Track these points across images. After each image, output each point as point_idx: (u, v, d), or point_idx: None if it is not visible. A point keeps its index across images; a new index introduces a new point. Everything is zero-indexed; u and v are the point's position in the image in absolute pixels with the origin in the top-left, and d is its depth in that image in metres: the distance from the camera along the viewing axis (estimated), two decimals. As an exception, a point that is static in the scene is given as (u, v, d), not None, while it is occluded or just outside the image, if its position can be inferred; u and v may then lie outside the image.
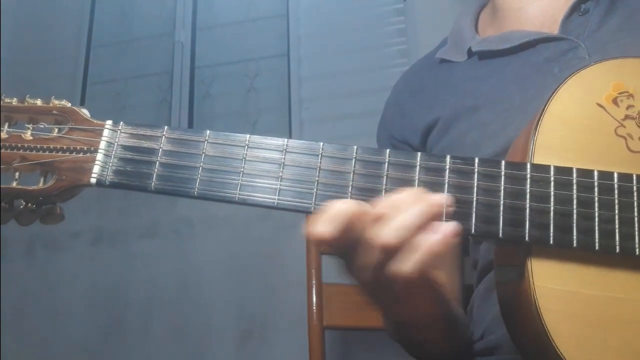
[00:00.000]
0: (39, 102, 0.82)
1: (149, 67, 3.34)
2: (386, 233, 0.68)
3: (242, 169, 0.76)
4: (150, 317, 2.76)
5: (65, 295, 2.86)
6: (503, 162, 0.75)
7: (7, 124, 0.80)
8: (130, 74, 3.35)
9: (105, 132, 0.79)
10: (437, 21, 2.60)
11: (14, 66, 3.37)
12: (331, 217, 0.69)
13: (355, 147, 0.75)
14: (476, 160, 0.75)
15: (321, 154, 0.76)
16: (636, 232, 0.73)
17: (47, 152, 0.78)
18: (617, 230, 0.73)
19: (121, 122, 0.80)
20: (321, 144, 0.76)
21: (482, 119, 1.07)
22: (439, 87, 1.18)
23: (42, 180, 0.79)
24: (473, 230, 0.73)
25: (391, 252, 0.69)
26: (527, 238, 0.72)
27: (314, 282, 1.58)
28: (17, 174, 0.79)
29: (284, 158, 0.76)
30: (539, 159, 0.76)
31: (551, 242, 0.72)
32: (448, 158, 0.75)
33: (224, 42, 3.31)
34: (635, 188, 0.74)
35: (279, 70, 3.15)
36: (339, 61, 3.02)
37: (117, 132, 0.79)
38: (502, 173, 0.74)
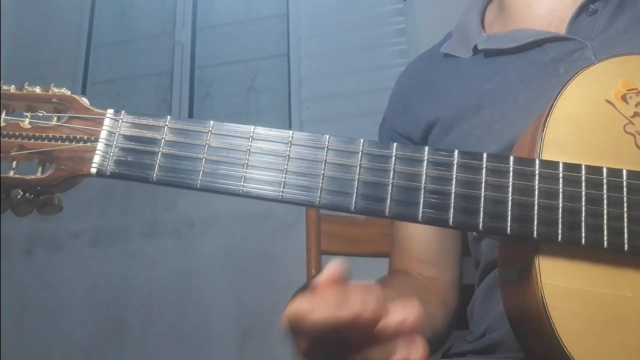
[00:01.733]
0: (37, 89, 0.79)
1: (149, 67, 3.35)
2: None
3: (246, 161, 0.74)
4: (150, 317, 2.76)
5: (65, 295, 2.86)
6: (511, 158, 0.74)
7: (4, 112, 0.78)
8: (130, 74, 3.36)
9: (106, 121, 0.76)
10: (437, 21, 2.59)
11: (14, 66, 3.37)
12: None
13: (362, 140, 0.74)
14: (484, 155, 0.74)
15: (327, 146, 0.74)
16: (645, 230, 0.73)
17: (45, 141, 0.76)
18: (625, 228, 0.72)
19: (122, 111, 0.77)
20: (327, 136, 0.75)
21: (486, 117, 1.06)
22: (443, 82, 1.18)
23: (40, 169, 0.76)
24: (481, 227, 0.72)
25: None
26: (535, 235, 0.71)
27: (314, 282, 1.58)
28: (14, 163, 0.76)
29: (289, 150, 0.75)
30: (546, 155, 0.75)
31: (559, 239, 0.71)
32: (456, 153, 0.74)
33: (224, 42, 3.31)
34: (644, 186, 0.74)
35: (279, 70, 3.15)
36: (339, 61, 3.02)
37: (118, 121, 0.76)
38: (511, 169, 0.73)
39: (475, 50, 1.14)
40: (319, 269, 1.62)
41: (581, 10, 1.05)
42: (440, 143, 1.13)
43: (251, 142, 0.75)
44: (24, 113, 0.78)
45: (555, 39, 1.05)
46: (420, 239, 1.16)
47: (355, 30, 3.06)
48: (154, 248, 2.85)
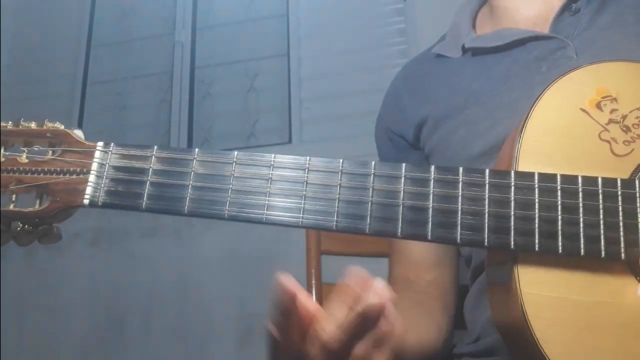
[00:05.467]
0: (33, 125, 0.83)
1: (149, 67, 3.35)
2: (327, 336, 0.70)
3: (230, 186, 0.77)
4: (150, 317, 2.77)
5: (65, 295, 2.87)
6: (487, 171, 0.75)
7: (3, 148, 0.82)
8: (130, 74, 3.36)
9: (97, 154, 0.80)
10: (437, 21, 2.59)
11: (14, 67, 3.38)
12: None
13: (341, 160, 0.76)
14: (460, 169, 0.75)
15: (308, 168, 0.77)
16: (621, 237, 0.73)
17: (41, 175, 0.80)
18: (602, 235, 0.73)
19: (112, 144, 0.80)
20: (307, 158, 0.77)
21: (471, 116, 1.07)
22: (433, 82, 1.19)
23: (38, 202, 0.80)
24: (459, 240, 0.73)
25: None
26: (512, 246, 0.72)
27: (313, 282, 1.57)
28: (13, 196, 0.80)
29: (272, 174, 0.77)
30: (523, 166, 0.76)
31: (537, 249, 0.72)
32: (432, 168, 0.75)
33: (224, 42, 3.31)
34: (619, 192, 0.74)
35: (279, 70, 3.15)
36: (339, 61, 3.02)
37: (108, 153, 0.80)
38: (487, 182, 0.74)
39: (464, 50, 1.16)
40: (318, 269, 1.62)
41: (564, 10, 1.07)
42: (427, 142, 1.15)
43: (234, 167, 0.78)
44: (21, 148, 0.82)
45: (538, 38, 1.07)
46: (418, 243, 1.16)
47: (355, 30, 3.06)
48: (154, 248, 2.85)
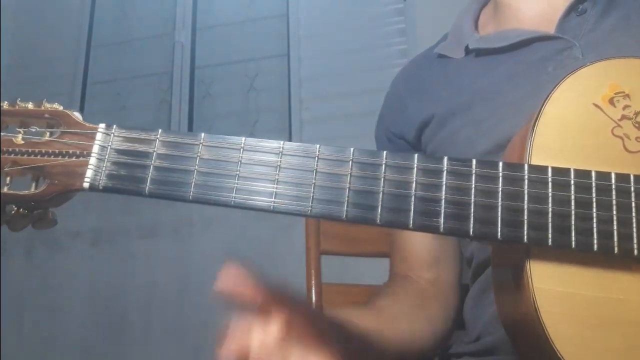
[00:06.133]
0: (30, 105, 0.79)
1: (149, 67, 3.35)
2: None
3: (237, 172, 0.74)
4: (150, 317, 2.76)
5: (65, 295, 2.86)
6: (500, 164, 0.74)
7: None
8: (130, 74, 3.37)
9: (98, 136, 0.77)
10: (437, 21, 2.60)
11: (14, 67, 3.38)
12: None
13: (352, 149, 0.74)
14: (473, 161, 0.74)
15: (317, 156, 0.75)
16: (634, 233, 0.72)
17: (38, 157, 0.76)
18: (615, 231, 0.72)
19: (114, 126, 0.77)
20: (317, 146, 0.75)
21: (476, 115, 1.07)
22: (436, 82, 1.19)
23: (33, 185, 0.76)
24: (472, 232, 0.72)
25: None
26: (525, 239, 0.72)
27: (313, 282, 1.57)
28: (8, 178, 0.76)
29: (280, 161, 0.75)
30: (536, 160, 0.75)
31: (549, 243, 0.71)
32: (445, 160, 0.74)
33: (224, 42, 3.32)
34: (632, 188, 0.74)
35: (279, 70, 3.15)
36: (339, 61, 3.03)
37: (110, 135, 0.77)
38: (500, 174, 0.73)
39: (467, 51, 1.15)
40: (318, 269, 1.62)
41: (570, 10, 1.06)
42: (431, 141, 1.14)
43: (242, 153, 0.75)
44: (17, 129, 0.78)
45: (544, 38, 1.06)
46: (418, 241, 1.16)
47: (355, 30, 3.06)
48: (154, 248, 2.85)
